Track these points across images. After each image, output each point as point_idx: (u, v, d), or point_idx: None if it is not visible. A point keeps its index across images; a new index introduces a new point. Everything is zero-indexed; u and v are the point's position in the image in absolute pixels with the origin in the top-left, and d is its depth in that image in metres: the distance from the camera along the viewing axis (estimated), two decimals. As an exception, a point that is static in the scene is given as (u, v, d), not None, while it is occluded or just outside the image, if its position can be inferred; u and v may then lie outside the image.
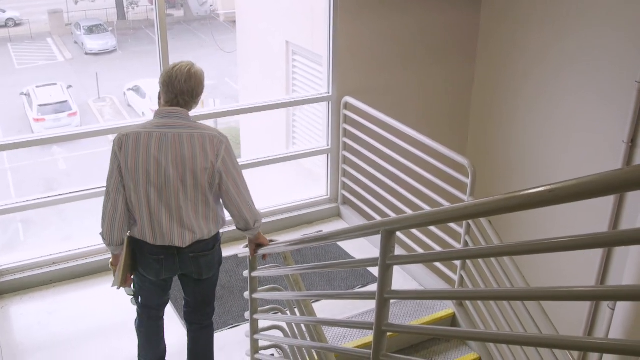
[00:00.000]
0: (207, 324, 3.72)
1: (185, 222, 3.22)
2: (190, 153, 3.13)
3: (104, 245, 3.38)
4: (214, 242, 3.40)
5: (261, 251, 3.57)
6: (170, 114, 3.18)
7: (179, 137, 3.13)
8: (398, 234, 4.99)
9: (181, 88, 3.17)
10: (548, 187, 1.54)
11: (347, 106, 5.48)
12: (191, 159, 3.13)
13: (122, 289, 3.53)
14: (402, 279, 5.00)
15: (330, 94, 5.53)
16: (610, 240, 1.51)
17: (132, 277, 3.51)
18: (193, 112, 3.36)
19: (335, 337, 4.38)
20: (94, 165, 16.31)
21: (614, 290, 1.59)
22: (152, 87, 16.39)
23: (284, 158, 5.77)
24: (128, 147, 3.14)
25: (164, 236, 3.24)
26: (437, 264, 4.86)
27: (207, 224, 3.29)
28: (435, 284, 4.82)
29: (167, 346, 3.85)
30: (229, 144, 3.22)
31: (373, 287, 2.37)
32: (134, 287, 3.58)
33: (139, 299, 3.60)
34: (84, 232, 13.29)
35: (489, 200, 1.73)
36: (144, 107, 17.66)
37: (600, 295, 1.77)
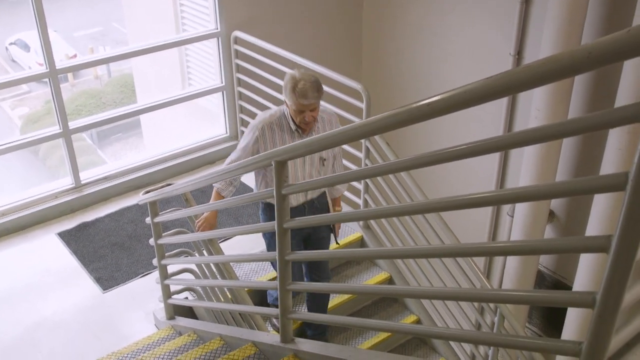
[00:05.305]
0: None
1: None
2: None
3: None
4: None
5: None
6: None
7: None
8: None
9: None
10: (426, 101, 1.57)
11: (238, 41, 5.36)
12: None
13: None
14: (310, 208, 5.04)
15: (219, 29, 5.39)
16: (503, 144, 1.54)
17: None
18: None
19: (249, 272, 4.40)
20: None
21: (511, 193, 1.64)
22: (36, 39, 15.46)
23: (178, 100, 5.60)
24: None
25: None
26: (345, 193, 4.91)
27: None
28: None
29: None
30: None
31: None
32: None
33: None
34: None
35: (371, 120, 1.75)
36: (30, 61, 16.72)
37: (499, 199, 1.82)
